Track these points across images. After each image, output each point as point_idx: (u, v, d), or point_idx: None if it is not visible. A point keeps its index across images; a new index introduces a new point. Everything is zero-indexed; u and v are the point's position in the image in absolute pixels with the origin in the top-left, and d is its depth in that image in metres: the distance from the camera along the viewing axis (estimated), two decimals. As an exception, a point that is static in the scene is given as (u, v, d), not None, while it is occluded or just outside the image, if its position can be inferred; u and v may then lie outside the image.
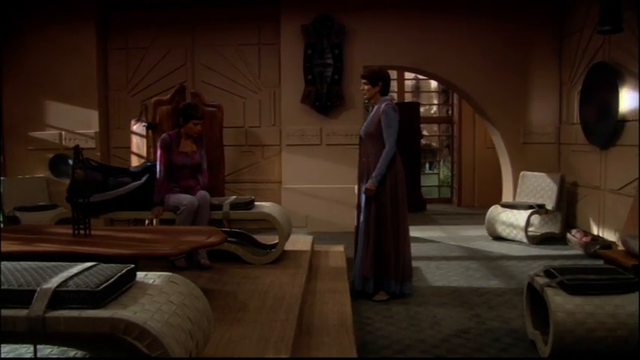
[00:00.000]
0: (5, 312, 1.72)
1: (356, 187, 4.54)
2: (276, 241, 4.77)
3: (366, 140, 4.30)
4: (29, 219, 6.46)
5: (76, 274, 1.87)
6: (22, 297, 1.75)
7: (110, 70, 7.71)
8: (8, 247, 2.81)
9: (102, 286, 1.79)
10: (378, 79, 4.23)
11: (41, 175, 7.44)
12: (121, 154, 7.57)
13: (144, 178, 4.53)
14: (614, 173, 5.85)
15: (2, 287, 1.75)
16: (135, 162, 6.73)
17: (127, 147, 7.15)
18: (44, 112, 7.57)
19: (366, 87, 4.27)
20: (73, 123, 7.50)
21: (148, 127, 6.33)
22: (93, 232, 3.32)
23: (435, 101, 12.03)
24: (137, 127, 6.71)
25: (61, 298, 1.75)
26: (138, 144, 6.71)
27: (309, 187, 7.36)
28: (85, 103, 7.48)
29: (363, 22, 7.30)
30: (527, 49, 7.29)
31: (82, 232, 3.22)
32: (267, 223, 4.78)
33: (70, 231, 3.31)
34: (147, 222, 5.54)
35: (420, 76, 10.75)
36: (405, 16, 7.29)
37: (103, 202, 4.33)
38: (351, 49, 7.32)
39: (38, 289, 1.76)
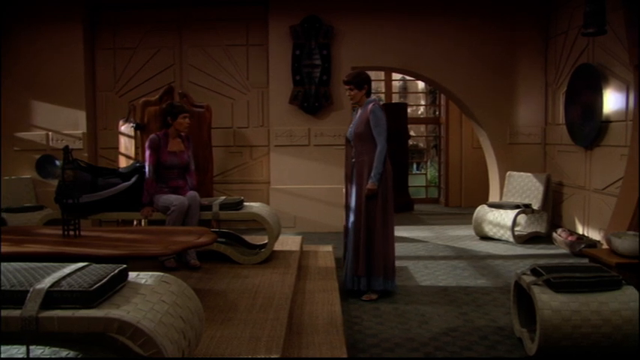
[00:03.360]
0: (-2, 312, 1.72)
1: (343, 187, 4.58)
2: (265, 241, 4.79)
3: (355, 141, 4.34)
4: (15, 220, 6.41)
5: (69, 275, 1.87)
6: (15, 297, 1.75)
7: (97, 71, 7.66)
8: (-3, 248, 2.80)
9: (95, 286, 1.79)
10: (363, 82, 4.31)
11: (27, 176, 7.38)
12: (108, 155, 7.52)
13: (133, 179, 4.53)
14: (599, 173, 5.94)
15: (-5, 288, 1.75)
16: (123, 163, 6.70)
17: (115, 148, 7.11)
18: (31, 112, 7.50)
19: (352, 92, 4.33)
20: (60, 123, 7.44)
21: (136, 128, 6.30)
22: (82, 233, 3.31)
23: (423, 102, 12.10)
24: (125, 127, 6.68)
25: (54, 298, 1.76)
26: (126, 145, 6.68)
27: (297, 187, 7.38)
28: (72, 104, 7.43)
29: (351, 23, 7.33)
30: (514, 50, 7.36)
31: (71, 232, 3.21)
32: (256, 224, 4.79)
33: (60, 232, 3.30)
34: (135, 223, 5.53)
35: (408, 77, 10.81)
36: (393, 18, 7.33)
37: (93, 203, 4.32)
38: (339, 50, 7.34)
39: (31, 289, 1.76)
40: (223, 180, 7.51)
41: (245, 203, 4.92)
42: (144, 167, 4.56)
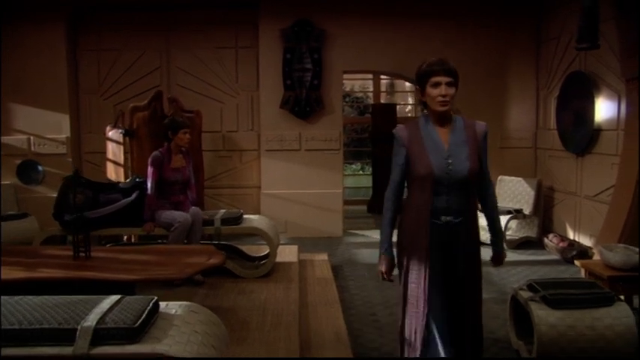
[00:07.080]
0: (50, 349, 1.81)
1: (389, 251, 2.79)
2: (263, 253, 4.81)
3: (470, 181, 2.63)
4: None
5: (109, 310, 1.94)
6: (63, 335, 1.83)
7: (81, 72, 7.47)
8: (11, 273, 2.74)
9: (138, 322, 1.88)
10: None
11: (8, 182, 7.16)
12: (93, 160, 7.37)
13: (134, 195, 4.49)
14: (590, 180, 6.01)
15: (43, 326, 1.84)
16: (111, 169, 6.60)
17: (100, 152, 6.97)
18: (11, 115, 7.27)
19: (450, 91, 2.62)
20: (42, 127, 7.24)
21: (125, 134, 6.20)
22: (92, 254, 3.27)
23: (411, 101, 12.13)
24: (113, 133, 6.55)
25: (100, 335, 1.84)
26: (114, 151, 6.56)
27: (288, 192, 7.35)
28: (55, 107, 7.23)
29: (342, 27, 7.26)
30: (505, 54, 7.36)
31: (81, 254, 3.17)
32: (250, 232, 4.77)
33: (68, 253, 3.26)
34: (125, 238, 5.47)
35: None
36: (385, 21, 7.28)
37: (95, 219, 4.26)
38: (331, 53, 7.28)
39: (79, 327, 1.83)
40: (213, 185, 7.42)
41: (244, 216, 4.90)
42: (144, 183, 4.53)
